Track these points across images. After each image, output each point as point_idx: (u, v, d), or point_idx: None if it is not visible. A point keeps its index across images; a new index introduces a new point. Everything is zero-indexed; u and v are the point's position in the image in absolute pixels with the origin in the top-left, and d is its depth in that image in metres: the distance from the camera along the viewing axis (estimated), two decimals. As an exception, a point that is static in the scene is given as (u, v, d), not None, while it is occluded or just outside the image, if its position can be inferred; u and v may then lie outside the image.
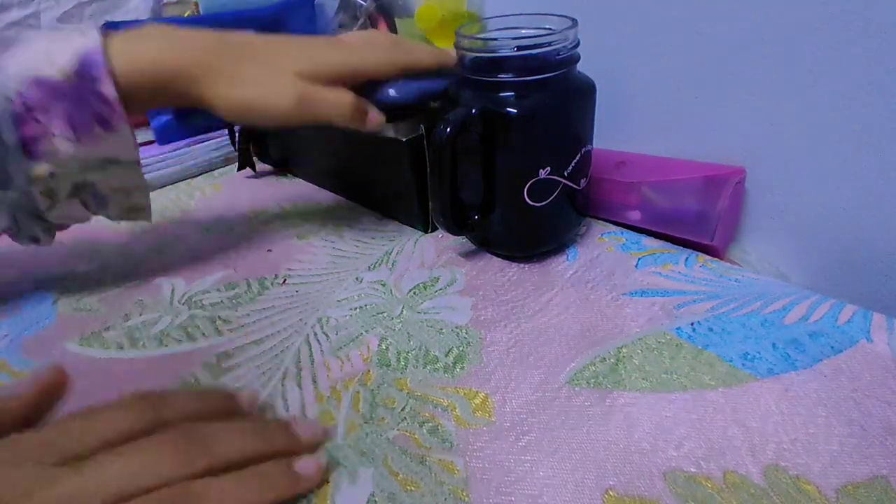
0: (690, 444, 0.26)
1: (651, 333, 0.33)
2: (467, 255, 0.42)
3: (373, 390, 0.30)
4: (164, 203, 0.55)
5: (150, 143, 0.60)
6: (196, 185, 0.59)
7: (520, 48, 0.33)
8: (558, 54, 0.34)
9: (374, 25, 0.62)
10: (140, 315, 0.38)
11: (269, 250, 0.45)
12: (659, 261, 0.39)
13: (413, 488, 0.25)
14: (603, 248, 0.41)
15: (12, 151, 0.32)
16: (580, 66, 0.36)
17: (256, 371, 0.32)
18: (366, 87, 0.37)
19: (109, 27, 0.34)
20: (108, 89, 0.32)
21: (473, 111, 0.35)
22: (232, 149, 0.61)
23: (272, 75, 0.35)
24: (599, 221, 0.45)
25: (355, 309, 0.37)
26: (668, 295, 0.36)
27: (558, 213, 0.39)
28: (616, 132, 0.47)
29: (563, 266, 0.40)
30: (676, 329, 0.33)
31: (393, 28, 0.61)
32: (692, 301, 0.35)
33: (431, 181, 0.39)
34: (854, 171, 0.37)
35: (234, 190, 0.58)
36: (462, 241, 0.43)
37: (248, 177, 0.60)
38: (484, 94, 0.35)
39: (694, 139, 0.44)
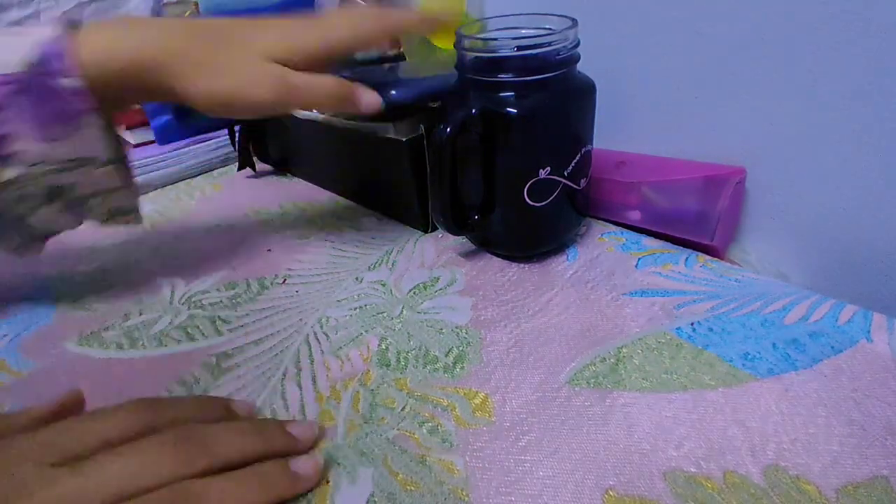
0: (690, 444, 0.26)
1: (651, 333, 0.33)
2: (467, 255, 0.42)
3: (373, 390, 0.30)
4: (164, 203, 0.55)
5: (150, 143, 0.60)
6: (196, 185, 0.59)
7: (520, 48, 0.33)
8: (558, 54, 0.34)
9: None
10: (139, 315, 0.38)
11: (269, 250, 0.45)
12: (659, 261, 0.39)
13: (413, 488, 0.25)
14: (603, 248, 0.41)
15: None
16: (580, 66, 0.36)
17: (256, 371, 0.32)
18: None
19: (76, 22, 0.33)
20: (72, 81, 0.30)
21: (473, 111, 0.35)
22: (232, 149, 0.61)
23: (247, 62, 0.33)
24: (599, 221, 0.45)
25: (355, 309, 0.37)
26: (668, 295, 0.35)
27: (558, 213, 0.39)
28: (616, 132, 0.47)
29: (563, 266, 0.40)
30: (676, 329, 0.33)
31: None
32: (692, 301, 0.35)
33: (431, 181, 0.39)
34: (854, 171, 0.37)
35: (234, 190, 0.58)
36: (462, 241, 0.43)
37: (248, 177, 0.60)
38: (484, 94, 0.35)
39: (694, 139, 0.44)
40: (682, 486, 0.24)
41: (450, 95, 0.38)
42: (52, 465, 0.21)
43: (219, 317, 0.37)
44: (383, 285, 0.39)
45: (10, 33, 0.31)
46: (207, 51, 0.32)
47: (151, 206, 0.55)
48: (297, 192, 0.55)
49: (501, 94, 0.35)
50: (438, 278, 0.39)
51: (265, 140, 0.60)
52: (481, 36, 0.37)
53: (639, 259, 0.39)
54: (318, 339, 0.35)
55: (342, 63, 0.36)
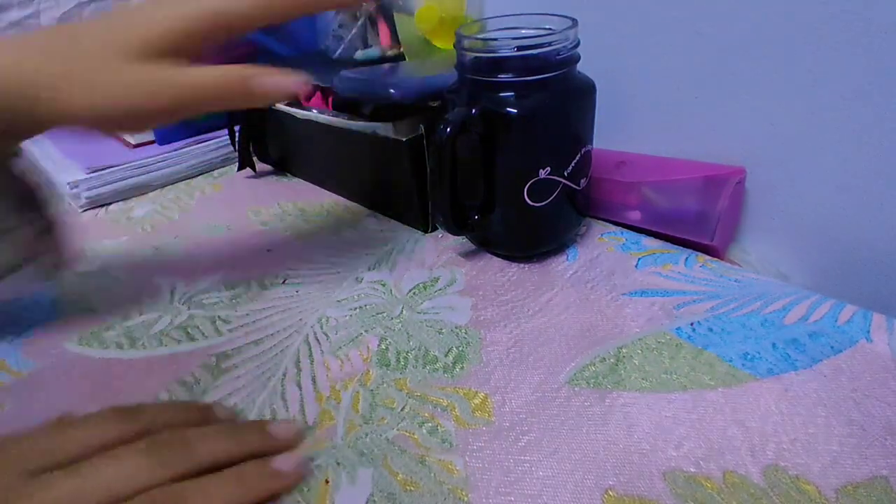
0: (690, 444, 0.26)
1: (651, 333, 0.33)
2: (467, 255, 0.42)
3: (372, 390, 0.30)
4: (164, 203, 0.55)
5: (150, 143, 0.60)
6: (196, 185, 0.59)
7: (520, 48, 0.33)
8: (558, 54, 0.34)
9: (373, 25, 0.62)
10: (139, 315, 0.38)
11: (269, 250, 0.45)
12: (659, 261, 0.39)
13: (413, 488, 0.25)
14: (603, 248, 0.41)
15: None
16: (580, 66, 0.36)
17: (256, 371, 0.32)
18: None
19: None
20: None
21: (473, 111, 0.35)
22: (232, 149, 0.61)
23: (110, 66, 0.26)
24: (599, 221, 0.45)
25: (355, 309, 0.37)
26: (668, 295, 0.35)
27: (558, 213, 0.39)
28: (616, 132, 0.47)
29: (563, 266, 0.40)
30: (676, 329, 0.33)
31: (393, 28, 0.61)
32: (692, 301, 0.35)
33: (431, 181, 0.39)
34: (854, 171, 0.37)
35: (234, 190, 0.58)
36: (462, 241, 0.43)
37: (248, 177, 0.60)
38: (484, 95, 0.35)
39: (694, 139, 0.44)
40: (681, 486, 0.24)
41: (450, 95, 0.38)
42: (31, 474, 0.21)
43: (219, 317, 0.37)
44: (383, 285, 0.39)
45: None
46: (69, 59, 0.26)
47: (151, 206, 0.55)
48: (297, 192, 0.55)
49: (501, 95, 0.35)
50: (438, 278, 0.39)
51: (265, 140, 0.60)
52: (481, 36, 0.37)
53: (639, 259, 0.39)
54: (317, 339, 0.35)
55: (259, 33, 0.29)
